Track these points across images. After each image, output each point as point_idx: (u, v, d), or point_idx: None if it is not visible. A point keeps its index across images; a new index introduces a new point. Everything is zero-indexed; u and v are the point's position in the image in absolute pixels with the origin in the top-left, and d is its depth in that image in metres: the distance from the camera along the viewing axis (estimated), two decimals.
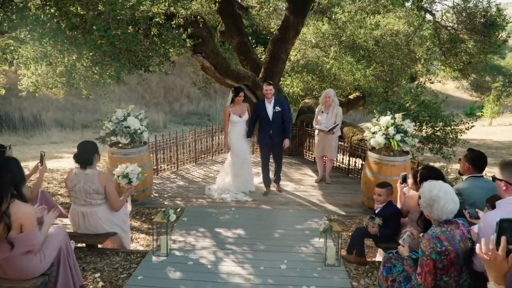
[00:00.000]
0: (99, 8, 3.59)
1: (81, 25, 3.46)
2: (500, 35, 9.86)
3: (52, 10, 3.43)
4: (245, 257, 3.69)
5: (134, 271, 3.38)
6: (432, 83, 11.74)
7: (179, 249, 3.86)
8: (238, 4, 8.68)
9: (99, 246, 3.82)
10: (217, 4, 7.59)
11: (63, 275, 2.82)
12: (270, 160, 5.92)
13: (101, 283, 3.27)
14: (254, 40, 10.74)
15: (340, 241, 3.61)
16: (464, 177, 3.40)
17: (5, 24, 3.62)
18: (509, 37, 10.69)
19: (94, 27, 3.32)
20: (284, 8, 10.42)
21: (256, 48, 10.92)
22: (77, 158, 3.49)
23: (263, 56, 10.45)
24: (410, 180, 3.53)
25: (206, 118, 22.70)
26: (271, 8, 10.73)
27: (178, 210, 4.74)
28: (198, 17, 6.39)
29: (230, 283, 3.23)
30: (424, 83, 9.42)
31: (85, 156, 3.48)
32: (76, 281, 2.97)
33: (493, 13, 9.52)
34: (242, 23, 9.21)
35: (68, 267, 2.89)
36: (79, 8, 3.60)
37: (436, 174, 3.11)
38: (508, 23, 10.24)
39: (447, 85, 18.80)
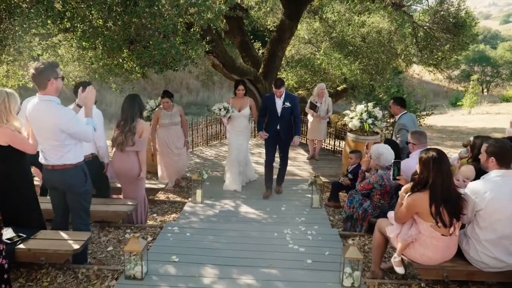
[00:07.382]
0: (149, 26, 4.98)
1: (138, 40, 4.86)
2: (470, 34, 11.21)
3: (116, 29, 4.82)
4: (256, 203, 5.21)
5: (180, 211, 4.88)
6: (400, 77, 12.99)
7: (209, 199, 5.36)
8: (240, 7, 9.92)
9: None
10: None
11: (142, 208, 4.31)
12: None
13: (159, 219, 4.76)
14: (252, 36, 11.89)
15: (323, 192, 5.12)
16: (398, 115, 5.13)
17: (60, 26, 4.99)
18: (477, 35, 12.14)
19: (150, 42, 4.73)
20: (279, 8, 11.72)
21: (254, 43, 12.07)
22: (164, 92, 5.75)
23: (260, 52, 11.73)
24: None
25: (206, 108, 23.80)
26: (268, 8, 12.01)
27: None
28: (211, 25, 7.73)
29: (248, 217, 4.77)
30: (399, 75, 10.65)
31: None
32: (146, 215, 4.46)
33: (463, 15, 10.90)
34: (243, 23, 10.48)
35: (143, 204, 4.36)
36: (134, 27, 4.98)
37: (393, 144, 4.61)
38: (477, 23, 11.71)
39: (437, 75, 20.22)
